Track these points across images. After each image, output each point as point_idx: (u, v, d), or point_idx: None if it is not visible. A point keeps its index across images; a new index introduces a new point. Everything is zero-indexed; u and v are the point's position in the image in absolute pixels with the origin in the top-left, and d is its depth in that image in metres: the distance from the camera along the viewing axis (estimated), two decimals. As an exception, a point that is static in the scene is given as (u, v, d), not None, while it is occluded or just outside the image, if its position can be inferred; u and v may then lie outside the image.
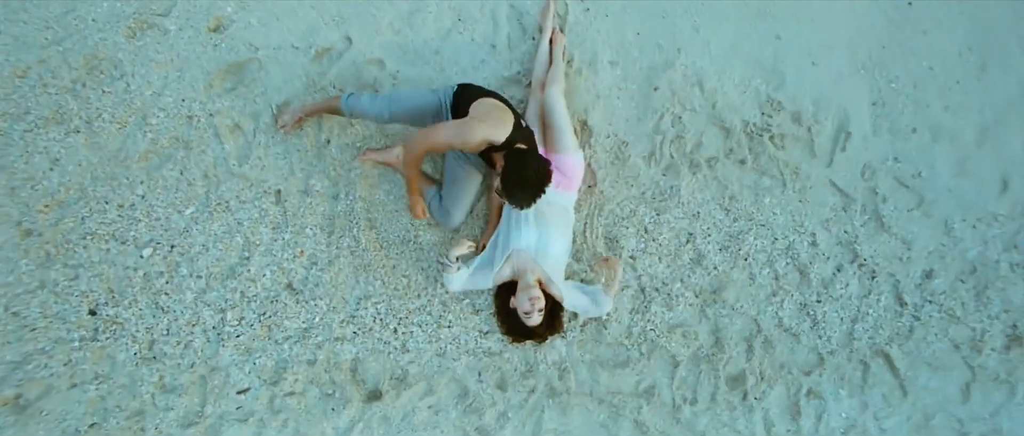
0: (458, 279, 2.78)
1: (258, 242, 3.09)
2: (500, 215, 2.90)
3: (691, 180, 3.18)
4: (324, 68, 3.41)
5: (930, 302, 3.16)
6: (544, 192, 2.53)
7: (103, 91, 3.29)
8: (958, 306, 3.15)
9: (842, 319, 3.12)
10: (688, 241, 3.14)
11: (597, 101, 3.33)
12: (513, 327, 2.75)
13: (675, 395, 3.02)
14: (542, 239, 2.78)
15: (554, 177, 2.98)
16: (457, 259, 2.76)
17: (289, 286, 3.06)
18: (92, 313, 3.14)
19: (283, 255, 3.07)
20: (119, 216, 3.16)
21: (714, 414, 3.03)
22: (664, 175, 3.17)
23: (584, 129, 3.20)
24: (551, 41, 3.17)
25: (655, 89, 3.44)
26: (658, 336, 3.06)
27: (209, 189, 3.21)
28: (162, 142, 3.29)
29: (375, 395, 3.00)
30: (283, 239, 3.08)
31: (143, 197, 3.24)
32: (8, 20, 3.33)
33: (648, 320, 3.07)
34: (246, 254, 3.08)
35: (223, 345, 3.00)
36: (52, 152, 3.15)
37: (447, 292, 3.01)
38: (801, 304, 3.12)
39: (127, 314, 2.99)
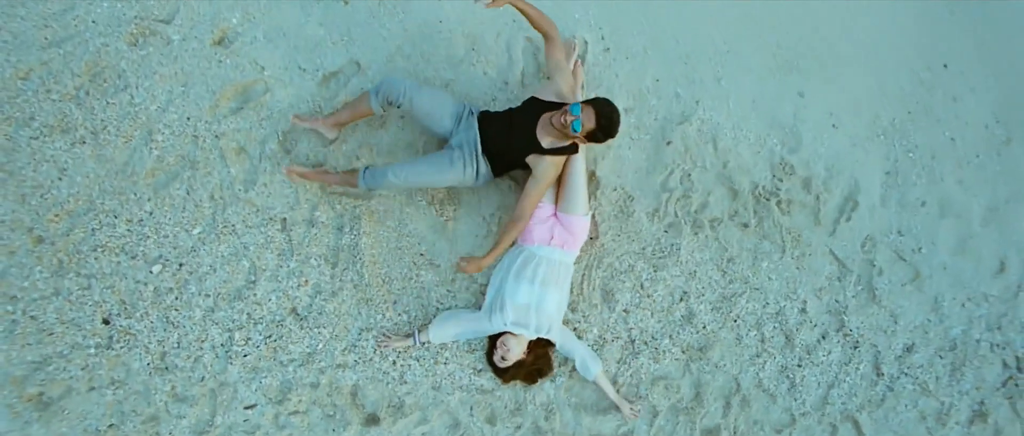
0: (442, 336, 2.82)
1: (264, 267, 2.87)
2: (506, 244, 2.62)
3: (692, 239, 2.89)
4: (331, 93, 3.07)
5: (906, 374, 2.94)
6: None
7: (107, 102, 3.04)
8: (932, 380, 2.94)
9: (819, 384, 2.94)
10: (681, 299, 2.91)
11: (607, 151, 2.90)
12: (501, 369, 2.77)
13: None
14: (539, 297, 2.62)
15: (560, 236, 2.64)
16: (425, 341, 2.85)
17: (294, 311, 2.89)
18: (106, 322, 2.93)
19: (288, 283, 2.88)
20: (128, 230, 2.81)
21: None
22: (666, 232, 2.89)
23: (592, 180, 2.87)
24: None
25: (668, 143, 3.12)
26: (641, 386, 2.91)
27: (215, 211, 2.85)
28: (168, 160, 3.05)
29: (373, 419, 2.90)
30: (288, 267, 2.88)
31: (151, 214, 3.10)
32: (5, 14, 3.06)
33: (634, 371, 2.90)
34: (252, 278, 2.87)
35: (231, 363, 2.88)
36: (59, 161, 2.96)
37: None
38: (782, 367, 2.93)
39: (139, 326, 2.84)
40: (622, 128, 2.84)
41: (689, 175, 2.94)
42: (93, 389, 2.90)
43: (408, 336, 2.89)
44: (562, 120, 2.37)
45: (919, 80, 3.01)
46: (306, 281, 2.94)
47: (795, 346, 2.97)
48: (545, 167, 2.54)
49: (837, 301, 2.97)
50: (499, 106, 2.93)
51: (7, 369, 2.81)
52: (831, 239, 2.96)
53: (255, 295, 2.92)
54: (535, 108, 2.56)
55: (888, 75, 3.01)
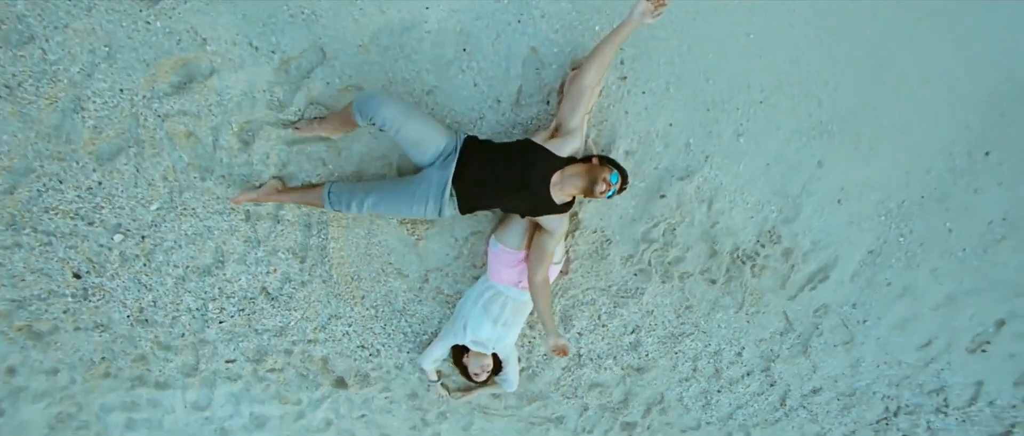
0: (429, 361, 2.76)
1: (231, 251, 2.55)
2: (549, 310, 2.32)
3: (658, 287, 2.65)
4: (291, 82, 2.32)
5: (804, 407, 3.03)
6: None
7: (15, 54, 2.28)
8: (822, 413, 3.05)
9: (730, 405, 3.02)
10: (633, 331, 2.79)
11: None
12: (465, 372, 2.68)
13: (577, 425, 3.07)
14: (498, 334, 2.49)
15: (524, 282, 2.42)
16: (437, 377, 2.88)
17: (264, 291, 2.68)
18: (76, 276, 2.61)
19: (257, 268, 2.61)
20: (78, 197, 2.37)
21: None
22: (635, 276, 2.63)
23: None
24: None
25: (661, 196, 2.62)
26: (579, 389, 2.95)
27: (172, 192, 2.38)
28: (107, 133, 2.36)
29: (341, 383, 2.94)
30: (255, 255, 2.57)
31: (100, 184, 2.60)
32: None
33: (575, 377, 2.92)
34: (220, 258, 2.56)
35: (208, 326, 2.76)
36: (-21, 114, 2.32)
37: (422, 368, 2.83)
38: (704, 390, 2.97)
39: (111, 285, 2.62)
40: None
41: (674, 229, 2.61)
42: (79, 329, 2.87)
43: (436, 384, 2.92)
44: (603, 189, 1.99)
45: (952, 165, 2.52)
46: (275, 269, 2.73)
47: (721, 378, 3.08)
48: (561, 223, 2.18)
49: (772, 350, 2.99)
50: (487, 127, 2.37)
51: (-12, 308, 2.65)
52: (789, 302, 2.83)
53: (225, 274, 2.72)
54: (545, 162, 2.03)
55: (922, 156, 2.50)
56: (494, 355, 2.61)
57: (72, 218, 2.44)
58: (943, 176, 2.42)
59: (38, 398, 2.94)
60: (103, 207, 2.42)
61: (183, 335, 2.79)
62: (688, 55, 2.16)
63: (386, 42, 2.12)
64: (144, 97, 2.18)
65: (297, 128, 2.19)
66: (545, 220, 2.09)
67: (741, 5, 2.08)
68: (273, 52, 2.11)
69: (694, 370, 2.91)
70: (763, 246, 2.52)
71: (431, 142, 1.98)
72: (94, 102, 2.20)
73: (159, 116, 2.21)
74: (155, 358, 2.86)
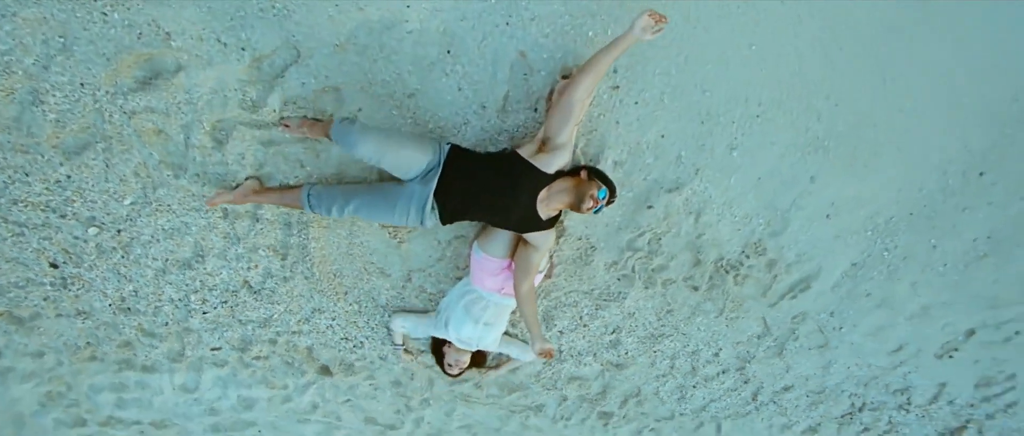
0: (400, 327, 2.74)
1: (210, 247, 2.46)
2: (536, 318, 2.30)
3: (641, 292, 2.61)
4: (264, 80, 2.13)
5: (775, 403, 3.10)
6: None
7: None
8: (792, 408, 3.13)
9: (704, 398, 3.07)
10: (614, 332, 2.78)
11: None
12: (451, 373, 2.71)
13: (556, 413, 3.11)
14: (480, 334, 2.48)
15: (510, 288, 2.32)
16: (401, 342, 2.79)
17: (247, 285, 2.61)
18: (53, 266, 2.52)
19: (238, 264, 2.53)
20: (46, 189, 2.23)
21: (580, 431, 3.25)
22: (618, 281, 2.59)
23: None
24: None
25: (649, 207, 2.56)
26: (559, 382, 2.98)
27: (145, 188, 2.25)
28: (72, 127, 2.20)
29: (326, 371, 2.95)
30: (236, 251, 2.48)
31: (69, 177, 2.44)
32: None
33: (555, 372, 2.93)
34: (200, 253, 2.48)
35: (191, 317, 2.71)
36: (-71, 101, 2.12)
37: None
38: (680, 386, 3.00)
39: (90, 275, 2.54)
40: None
41: (659, 239, 2.55)
42: (61, 316, 2.82)
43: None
44: (590, 206, 1.93)
45: (945, 184, 2.45)
46: (256, 265, 2.66)
47: (697, 374, 3.13)
48: (548, 239, 2.11)
49: (748, 352, 3.02)
50: (471, 134, 2.24)
51: (-36, 295, 2.57)
52: (768, 309, 2.83)
53: (205, 268, 2.66)
54: (532, 178, 1.94)
55: (917, 174, 2.42)
56: (476, 352, 2.64)
57: (43, 210, 2.32)
58: (934, 194, 2.35)
59: (26, 378, 2.93)
60: (74, 200, 2.31)
61: (167, 324, 2.75)
62: (685, 66, 2.01)
63: (364, 41, 1.95)
64: (107, 93, 2.02)
65: (286, 125, 2.05)
66: (531, 236, 2.02)
67: (746, 15, 1.91)
68: (243, 49, 1.94)
69: (672, 367, 2.94)
70: (748, 257, 2.47)
71: (413, 162, 1.87)
72: (54, 96, 2.04)
73: (125, 112, 2.06)
74: (140, 344, 2.83)
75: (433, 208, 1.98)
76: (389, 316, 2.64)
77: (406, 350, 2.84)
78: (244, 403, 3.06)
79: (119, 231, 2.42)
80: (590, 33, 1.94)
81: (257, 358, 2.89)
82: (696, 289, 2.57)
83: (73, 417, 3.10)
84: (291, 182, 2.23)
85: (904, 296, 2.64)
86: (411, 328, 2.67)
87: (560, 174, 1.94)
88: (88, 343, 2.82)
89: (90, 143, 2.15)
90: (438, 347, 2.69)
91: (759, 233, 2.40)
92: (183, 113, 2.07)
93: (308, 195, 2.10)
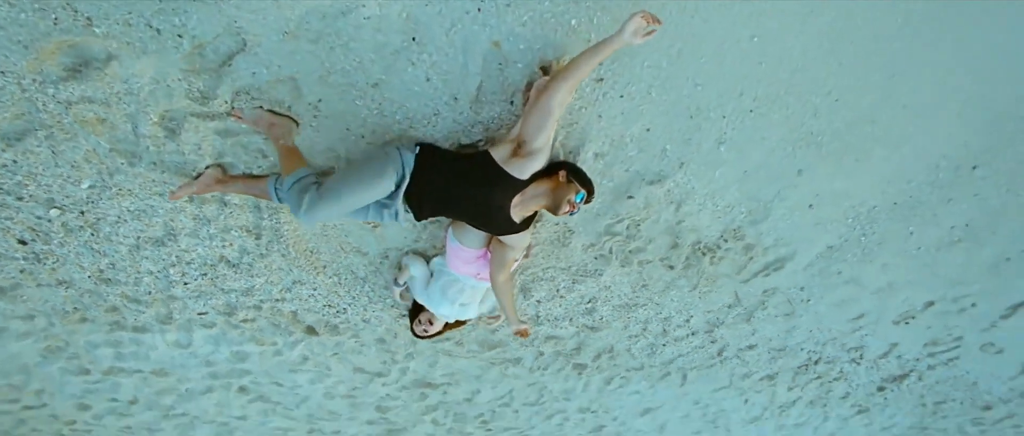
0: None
1: (181, 228, 2.41)
2: (512, 303, 2.36)
3: (618, 270, 2.65)
4: (210, 71, 1.89)
5: (738, 358, 3.32)
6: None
7: None
8: (753, 361, 3.37)
9: (672, 354, 3.27)
10: (590, 302, 2.86)
11: None
12: (418, 334, 2.70)
13: (533, 365, 3.32)
14: (457, 312, 2.53)
15: (485, 273, 2.36)
16: (403, 283, 2.63)
17: (224, 259, 2.60)
18: (22, 243, 2.48)
19: (212, 243, 2.49)
20: None
21: (556, 379, 3.49)
22: (595, 260, 2.61)
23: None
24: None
25: (629, 197, 2.46)
26: (536, 342, 3.12)
27: (101, 173, 2.15)
28: (4, 115, 2.05)
29: (312, 331, 3.06)
30: (208, 231, 2.43)
31: (16, 162, 2.24)
32: None
33: (534, 334, 3.08)
34: (171, 233, 2.43)
35: (173, 287, 2.72)
36: None
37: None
38: (651, 344, 3.17)
39: (62, 251, 2.50)
40: (585, 169, 2.27)
41: (638, 225, 2.54)
42: (41, 286, 2.85)
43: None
44: (567, 211, 1.89)
45: (935, 178, 2.39)
46: (231, 244, 2.64)
47: (668, 336, 3.32)
48: (523, 239, 2.11)
49: (718, 319, 3.18)
50: (443, 126, 2.10)
51: (-63, 271, 2.55)
52: (742, 285, 2.93)
53: (179, 245, 2.65)
54: (505, 186, 1.86)
55: (909, 169, 2.36)
56: (447, 323, 2.66)
57: (-4, 193, 2.23)
58: (922, 187, 2.31)
59: (22, 337, 3.04)
60: (27, 184, 2.21)
61: (150, 293, 2.80)
62: (678, 59, 1.83)
63: (318, 28, 1.73)
64: (35, 81, 1.83)
65: (238, 116, 1.91)
66: (506, 238, 2.00)
67: (750, 6, 1.70)
68: (180, 36, 1.73)
69: (644, 330, 3.10)
70: (726, 241, 2.49)
71: (380, 189, 1.77)
72: (-26, 82, 1.84)
73: (59, 102, 1.89)
74: (127, 309, 2.91)
75: (407, 210, 1.93)
76: (403, 256, 2.59)
77: (401, 295, 2.82)
78: (237, 356, 3.23)
79: (82, 213, 2.35)
80: (573, 21, 1.73)
81: (244, 321, 2.99)
82: (672, 268, 2.62)
83: (76, 367, 3.27)
84: (255, 172, 2.12)
85: (873, 274, 2.71)
86: (414, 286, 2.60)
87: (536, 176, 1.85)
88: (75, 308, 2.88)
89: (29, 130, 1.99)
90: (417, 307, 2.70)
91: (739, 221, 2.39)
92: (125, 103, 1.90)
93: (275, 188, 2.02)
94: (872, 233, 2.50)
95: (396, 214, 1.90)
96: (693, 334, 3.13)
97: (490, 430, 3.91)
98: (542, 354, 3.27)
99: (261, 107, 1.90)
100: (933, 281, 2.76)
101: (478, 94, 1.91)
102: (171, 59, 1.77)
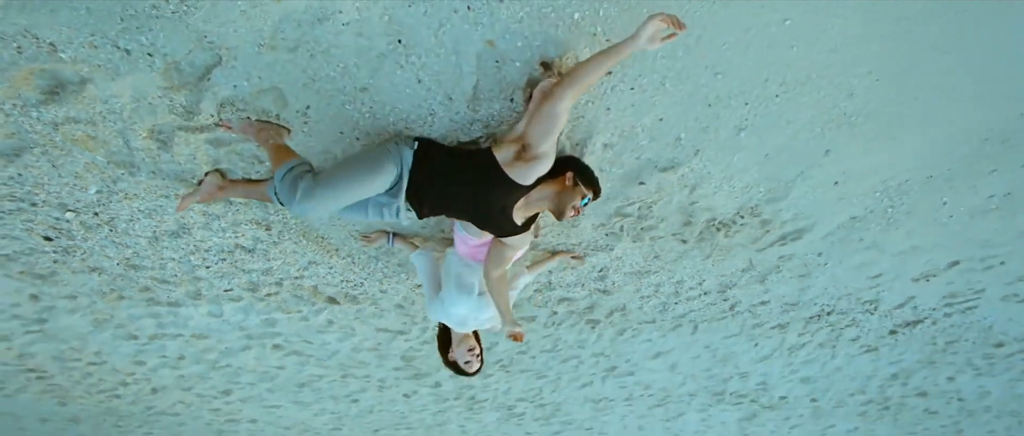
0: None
1: (193, 223, 2.45)
2: (507, 302, 2.24)
3: (630, 245, 2.62)
4: (189, 87, 1.74)
5: (750, 312, 3.38)
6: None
7: None
8: (764, 312, 3.42)
9: (685, 310, 3.33)
10: (602, 270, 2.86)
11: None
12: (456, 369, 2.42)
13: (547, 321, 3.41)
14: (477, 305, 2.38)
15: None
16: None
17: (239, 247, 2.66)
18: (48, 239, 2.58)
19: (225, 235, 2.55)
20: (3, 184, 2.24)
21: (570, 332, 3.59)
22: (606, 237, 2.57)
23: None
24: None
25: (640, 184, 2.29)
26: (549, 303, 3.20)
27: (105, 181, 2.15)
28: None
29: (334, 301, 3.20)
30: (220, 225, 2.48)
31: (20, 175, 2.21)
32: None
33: (546, 296, 3.13)
34: (185, 227, 2.48)
35: (196, 270, 2.83)
36: None
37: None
38: (663, 303, 3.22)
39: (87, 245, 2.60)
40: (592, 161, 2.19)
41: (650, 207, 2.47)
42: (76, 272, 3.03)
43: (384, 234, 2.56)
44: (572, 216, 1.83)
45: (981, 150, 2.21)
46: (243, 234, 2.70)
47: (679, 297, 3.38)
48: (524, 239, 2.04)
49: (732, 283, 3.19)
50: (440, 125, 1.98)
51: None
52: (757, 254, 2.89)
53: (194, 238, 2.72)
54: (508, 190, 1.78)
55: (948, 140, 2.16)
56: (476, 333, 2.42)
57: (11, 200, 2.30)
58: (963, 159, 2.15)
59: (70, 313, 3.29)
60: (37, 192, 2.26)
61: (176, 275, 2.94)
62: (696, 47, 1.65)
63: (294, 37, 1.60)
64: (16, 106, 1.79)
65: (227, 126, 1.86)
66: (507, 239, 1.99)
67: (780, -10, 1.48)
68: (150, 54, 1.63)
69: (656, 292, 3.16)
70: (742, 217, 2.42)
71: (377, 184, 1.73)
72: (-43, 108, 1.81)
73: (45, 123, 1.86)
74: (159, 289, 3.08)
75: (408, 209, 1.91)
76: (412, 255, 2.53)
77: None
78: (267, 323, 3.45)
79: (96, 213, 2.40)
80: (576, 15, 1.55)
81: (268, 295, 3.14)
82: (685, 242, 2.58)
83: (124, 334, 3.55)
84: (253, 176, 2.10)
85: (898, 240, 2.63)
86: (429, 300, 2.43)
87: (541, 180, 1.78)
88: (111, 289, 3.06)
89: (24, 147, 1.99)
90: (445, 348, 2.42)
91: (757, 200, 2.29)
92: (110, 121, 1.85)
93: (275, 193, 2.01)
94: (901, 204, 2.37)
95: (397, 212, 1.87)
96: (705, 294, 3.16)
97: (509, 372, 4.19)
98: (556, 313, 3.38)
99: (249, 118, 1.81)
100: (961, 244, 2.66)
101: (475, 93, 1.78)
102: (147, 77, 1.67)
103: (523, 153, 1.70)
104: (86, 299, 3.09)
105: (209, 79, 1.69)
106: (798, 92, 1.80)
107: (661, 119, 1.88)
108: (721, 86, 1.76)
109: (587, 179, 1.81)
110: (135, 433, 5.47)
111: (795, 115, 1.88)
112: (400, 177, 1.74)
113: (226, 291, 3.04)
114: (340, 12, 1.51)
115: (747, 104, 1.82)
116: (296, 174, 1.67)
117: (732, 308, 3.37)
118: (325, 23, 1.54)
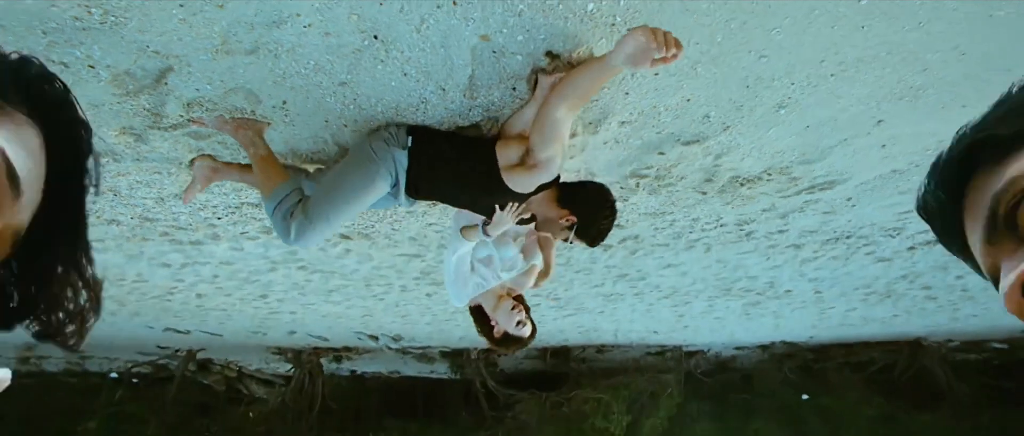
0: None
1: (197, 203, 2.38)
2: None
3: (646, 197, 2.49)
4: (147, 92, 1.43)
5: (765, 237, 3.50)
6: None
7: None
8: (777, 234, 3.59)
9: (699, 237, 3.30)
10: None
11: (579, 153, 2.02)
12: (508, 343, 2.00)
13: (560, 244, 3.74)
14: (504, 257, 2.04)
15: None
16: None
17: (246, 203, 2.63)
18: None
19: (227, 197, 2.50)
20: None
21: (584, 252, 3.71)
22: (620, 190, 2.40)
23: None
24: None
25: (660, 154, 1.95)
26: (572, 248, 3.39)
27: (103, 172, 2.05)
28: None
29: (347, 237, 3.25)
30: (221, 189, 2.43)
31: None
32: None
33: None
34: (193, 202, 2.43)
35: (210, 221, 2.88)
36: None
37: None
38: (677, 232, 3.18)
39: (97, 206, 2.58)
40: (607, 136, 2.03)
41: (669, 169, 2.31)
42: (94, 226, 3.14)
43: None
44: (567, 239, 1.76)
45: None
46: (246, 193, 2.68)
47: (696, 227, 3.34)
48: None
49: (751, 221, 3.12)
50: (435, 114, 1.77)
51: None
52: (782, 200, 2.76)
53: (199, 198, 2.72)
54: (505, 195, 1.67)
55: None
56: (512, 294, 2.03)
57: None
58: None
59: (101, 251, 3.49)
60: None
61: (191, 224, 3.03)
62: (740, 31, 1.39)
63: (250, 40, 1.39)
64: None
65: (201, 123, 1.76)
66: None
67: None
68: (92, 67, 1.45)
69: (671, 225, 3.15)
70: (769, 175, 2.29)
71: (372, 196, 1.67)
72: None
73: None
74: (178, 234, 3.20)
75: (411, 203, 1.88)
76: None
77: None
78: (287, 252, 3.61)
79: (94, 187, 2.38)
80: (590, 7, 1.28)
81: (285, 235, 3.23)
82: (704, 194, 2.49)
83: (158, 263, 3.80)
84: (243, 161, 2.01)
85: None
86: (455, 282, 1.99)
87: (543, 187, 1.69)
88: (134, 234, 3.18)
89: None
90: (486, 327, 2.00)
91: (788, 161, 2.13)
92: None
93: (270, 217, 1.96)
94: (953, 158, 2.15)
95: (400, 202, 1.83)
96: (722, 225, 3.12)
97: (524, 282, 4.41)
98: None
99: (222, 116, 1.66)
100: (1010, 188, 2.47)
101: (471, 83, 1.56)
102: (97, 87, 1.49)
103: (527, 158, 1.55)
104: (112, 242, 3.22)
105: (166, 83, 1.48)
106: (859, 70, 1.51)
107: (688, 100, 1.64)
108: (764, 68, 1.48)
109: (585, 234, 1.63)
110: (189, 322, 6.17)
111: (848, 91, 1.60)
112: (396, 183, 1.64)
113: (242, 234, 3.11)
114: (298, 14, 1.24)
115: (793, 84, 1.55)
116: (285, 210, 1.57)
117: (748, 235, 3.33)
118: (283, 26, 1.28)
